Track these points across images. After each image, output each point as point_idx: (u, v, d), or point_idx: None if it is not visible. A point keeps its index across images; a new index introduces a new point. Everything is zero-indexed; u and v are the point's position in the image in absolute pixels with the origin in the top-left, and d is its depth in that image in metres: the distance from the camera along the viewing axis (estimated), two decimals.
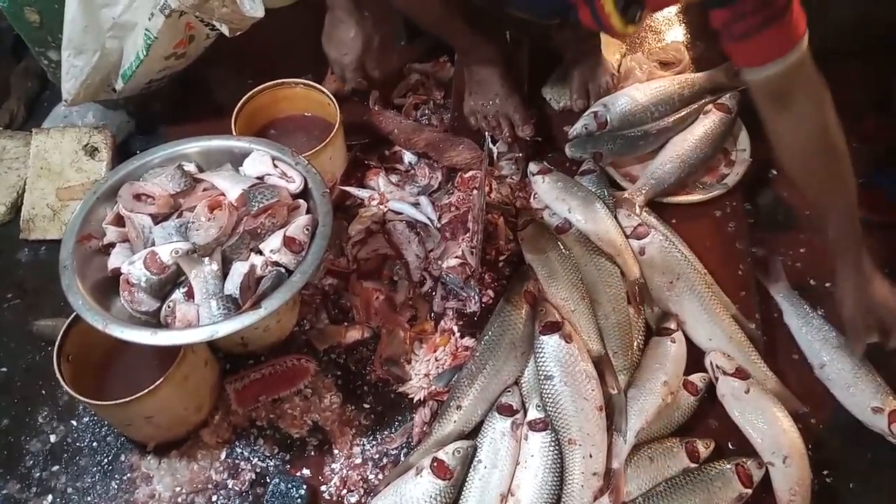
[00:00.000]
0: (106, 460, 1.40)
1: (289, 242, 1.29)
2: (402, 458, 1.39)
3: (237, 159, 1.44)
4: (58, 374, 1.26)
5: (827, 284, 1.63)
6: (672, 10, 2.14)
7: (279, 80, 1.70)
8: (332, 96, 1.67)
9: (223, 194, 1.35)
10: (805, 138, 1.33)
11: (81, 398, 1.25)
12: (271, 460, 1.39)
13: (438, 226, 1.64)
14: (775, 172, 1.81)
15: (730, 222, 1.70)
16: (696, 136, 1.76)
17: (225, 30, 1.59)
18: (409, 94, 1.91)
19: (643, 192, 1.69)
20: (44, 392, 1.49)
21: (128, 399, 1.23)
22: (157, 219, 1.34)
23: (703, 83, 1.86)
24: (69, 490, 1.38)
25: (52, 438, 1.44)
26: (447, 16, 1.58)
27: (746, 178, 1.76)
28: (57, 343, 1.29)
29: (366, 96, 1.85)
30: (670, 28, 2.12)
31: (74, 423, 1.45)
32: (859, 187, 1.41)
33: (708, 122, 1.77)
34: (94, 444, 1.43)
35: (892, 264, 1.58)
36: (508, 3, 1.56)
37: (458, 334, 1.51)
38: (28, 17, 1.63)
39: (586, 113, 1.81)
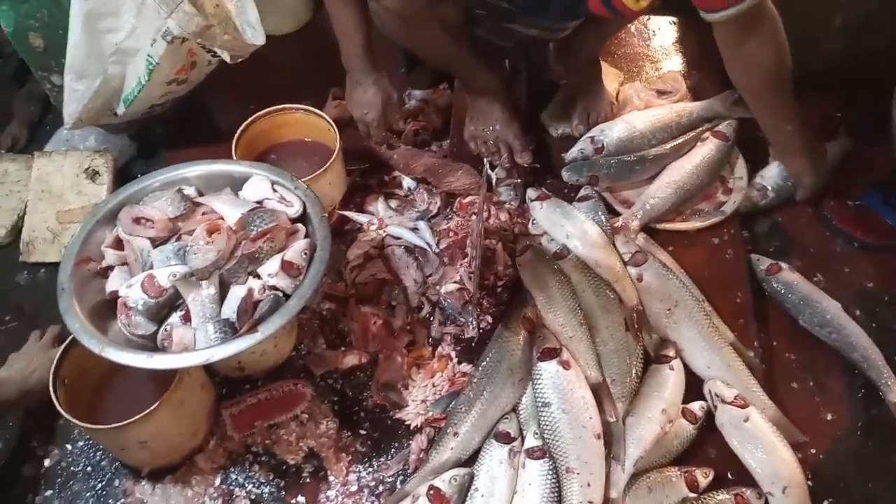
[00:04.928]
0: (100, 485, 1.39)
1: (287, 266, 1.29)
2: (399, 486, 1.37)
3: (237, 184, 1.45)
4: (53, 398, 1.25)
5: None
6: (669, 41, 2.16)
7: (280, 106, 1.71)
8: (331, 122, 1.68)
9: (222, 218, 1.36)
10: (767, 59, 1.49)
11: (76, 421, 1.24)
12: (266, 487, 1.38)
13: (437, 251, 1.64)
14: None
15: (728, 250, 1.70)
16: (693, 163, 1.76)
17: (226, 56, 1.61)
18: (409, 120, 1.92)
19: (638, 216, 1.69)
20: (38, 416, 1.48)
21: (123, 423, 1.23)
22: (156, 242, 1.34)
23: (700, 112, 1.87)
24: None
25: (46, 463, 1.42)
26: (451, 50, 1.59)
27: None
28: (53, 366, 1.28)
29: None
30: (667, 58, 2.14)
31: (69, 447, 1.44)
32: (855, 210, 1.64)
33: (705, 150, 1.78)
34: (89, 468, 1.41)
35: (891, 287, 1.62)
36: (516, 17, 1.58)
37: (455, 360, 1.51)
38: (32, 42, 1.65)
39: (583, 137, 1.82)
